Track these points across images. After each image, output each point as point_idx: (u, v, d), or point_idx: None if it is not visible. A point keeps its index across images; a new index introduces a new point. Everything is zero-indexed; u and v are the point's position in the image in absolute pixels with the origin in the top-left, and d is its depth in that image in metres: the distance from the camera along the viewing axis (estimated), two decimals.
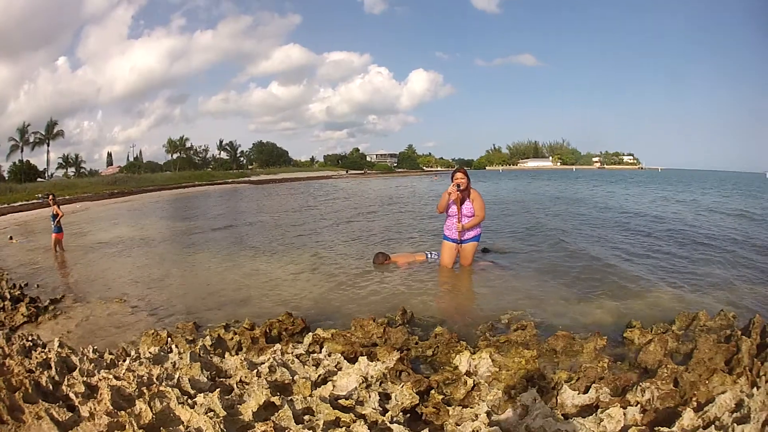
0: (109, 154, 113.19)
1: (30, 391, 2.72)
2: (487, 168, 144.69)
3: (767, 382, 2.87)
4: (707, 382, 3.01)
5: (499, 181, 51.89)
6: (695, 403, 2.82)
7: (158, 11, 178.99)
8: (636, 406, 2.75)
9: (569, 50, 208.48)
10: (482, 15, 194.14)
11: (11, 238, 18.84)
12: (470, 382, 3.13)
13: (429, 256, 7.80)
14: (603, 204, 21.34)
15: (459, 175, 7.01)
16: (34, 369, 3.08)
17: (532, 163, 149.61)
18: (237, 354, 3.54)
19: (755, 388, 2.72)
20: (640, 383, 2.99)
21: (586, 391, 2.96)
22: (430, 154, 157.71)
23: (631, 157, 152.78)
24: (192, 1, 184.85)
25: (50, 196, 13.04)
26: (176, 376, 2.89)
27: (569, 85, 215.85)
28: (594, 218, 15.33)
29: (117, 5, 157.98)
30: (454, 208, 7.11)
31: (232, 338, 4.09)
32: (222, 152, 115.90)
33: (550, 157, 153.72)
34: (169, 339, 4.19)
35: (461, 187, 6.93)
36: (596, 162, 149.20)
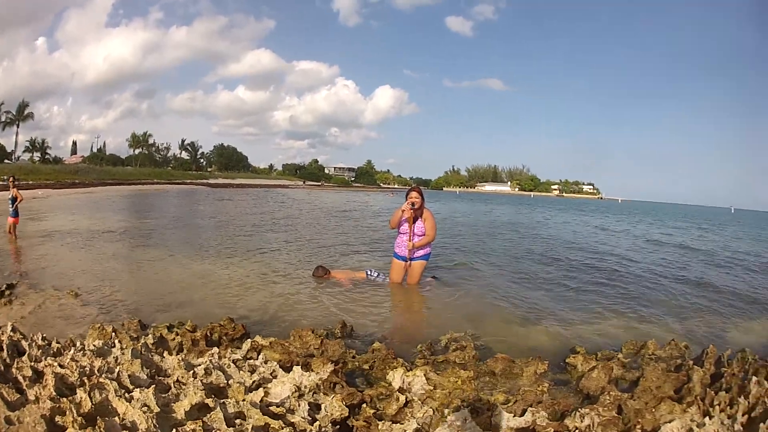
0: (74, 143, 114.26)
1: None
2: (444, 189, 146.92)
3: (722, 411, 2.90)
4: (654, 410, 3.02)
5: (455, 203, 53.01)
6: (640, 431, 2.85)
7: (138, 2, 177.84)
8: (574, 431, 2.78)
9: (537, 78, 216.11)
10: (456, 37, 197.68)
11: None
12: (402, 398, 3.16)
13: (369, 273, 7.84)
14: (553, 230, 22.08)
15: (414, 194, 7.12)
16: None
17: (490, 187, 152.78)
18: (177, 354, 3.62)
19: (707, 418, 2.75)
20: (580, 409, 2.98)
21: (522, 414, 2.93)
22: (388, 171, 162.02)
23: (591, 187, 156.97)
24: None
25: (11, 179, 12.86)
26: (116, 370, 2.96)
27: (534, 112, 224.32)
28: (543, 244, 15.74)
29: None
30: (405, 226, 7.26)
31: (174, 339, 4.15)
32: (183, 152, 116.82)
33: (509, 182, 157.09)
34: (114, 334, 4.23)
35: (415, 206, 7.09)
36: (555, 190, 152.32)
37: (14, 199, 11.99)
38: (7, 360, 2.99)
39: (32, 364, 2.91)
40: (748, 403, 2.94)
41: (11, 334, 3.43)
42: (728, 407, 2.97)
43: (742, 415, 2.82)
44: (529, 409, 2.96)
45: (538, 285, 8.45)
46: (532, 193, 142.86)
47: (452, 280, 8.45)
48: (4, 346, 3.14)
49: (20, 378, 2.76)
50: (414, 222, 7.20)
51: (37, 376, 2.81)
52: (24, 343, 3.33)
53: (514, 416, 2.91)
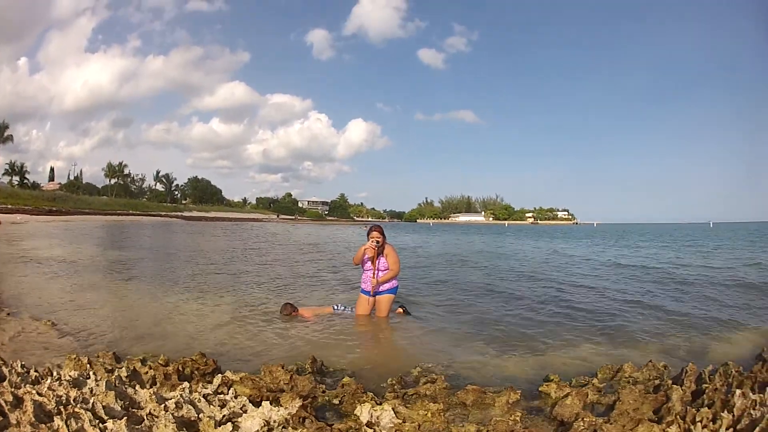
0: (52, 169, 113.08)
1: None
2: (418, 221, 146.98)
3: (704, 427, 2.89)
4: None
5: (428, 235, 52.98)
6: None
7: (117, 29, 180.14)
8: None
9: (508, 109, 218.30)
10: (428, 69, 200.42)
11: None
12: None
13: (336, 308, 7.87)
14: (525, 259, 22.04)
15: (375, 233, 7.28)
16: None
17: (464, 218, 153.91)
18: (150, 387, 3.69)
19: None
20: None
21: None
22: (362, 204, 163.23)
23: (566, 213, 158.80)
24: (150, 23, 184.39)
25: None
26: (91, 401, 3.02)
27: (506, 142, 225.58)
28: (516, 272, 15.74)
29: (82, 14, 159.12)
30: (369, 263, 7.40)
31: (147, 372, 4.17)
32: (158, 183, 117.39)
33: (483, 212, 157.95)
34: (89, 365, 4.27)
35: (379, 244, 7.27)
36: (530, 217, 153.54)
37: None
38: None
39: (12, 390, 2.97)
40: (733, 416, 2.94)
41: None
42: (711, 423, 2.96)
43: (726, 430, 2.85)
44: None
45: (508, 313, 8.48)
46: (506, 222, 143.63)
47: (422, 311, 8.50)
48: None
49: (2, 402, 2.83)
50: (377, 258, 7.35)
51: (17, 402, 2.87)
52: (4, 369, 3.40)
53: None
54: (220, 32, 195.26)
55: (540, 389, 4.26)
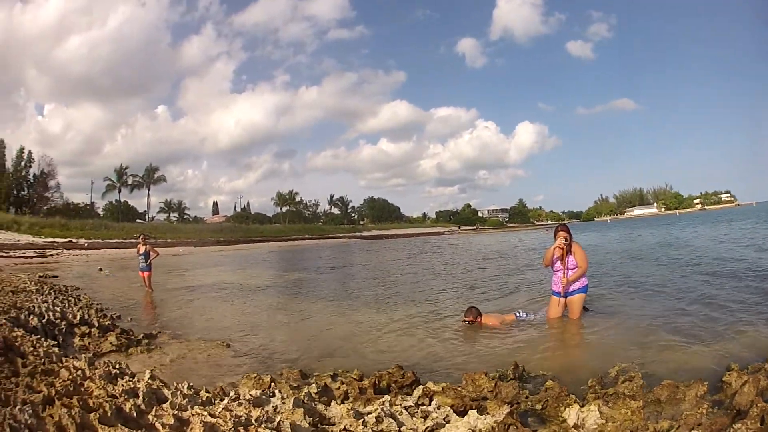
0: (215, 203, 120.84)
1: (109, 414, 2.76)
2: (595, 219, 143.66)
3: None
4: None
5: (607, 232, 50.24)
6: None
7: (259, 67, 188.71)
8: None
9: (662, 90, 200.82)
10: (579, 61, 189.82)
11: (101, 269, 20.46)
12: None
13: (518, 315, 7.67)
14: (705, 249, 19.98)
15: (562, 233, 7.32)
16: (118, 395, 3.13)
17: (638, 211, 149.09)
18: (343, 403, 3.47)
19: None
20: (733, 425, 2.94)
21: None
22: (540, 207, 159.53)
23: (728, 195, 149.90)
24: (294, 57, 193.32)
25: (142, 237, 13.98)
26: (277, 420, 2.87)
27: (667, 126, 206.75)
28: (695, 264, 14.54)
29: (216, 59, 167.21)
30: (558, 264, 7.39)
31: (339, 387, 4.07)
32: (333, 207, 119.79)
33: (655, 204, 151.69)
34: (273, 384, 4.20)
35: (567, 242, 7.24)
36: (697, 204, 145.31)
37: (147, 255, 12.85)
38: (142, 406, 2.96)
39: (175, 412, 2.88)
40: None
41: (149, 381, 3.47)
42: None
43: None
44: None
45: (687, 303, 8.22)
46: (677, 211, 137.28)
47: (607, 308, 8.32)
48: (140, 393, 3.13)
49: (158, 425, 2.75)
50: (566, 257, 7.33)
51: (181, 424, 2.79)
52: (166, 391, 3.35)
53: None
54: (368, 56, 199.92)
55: (723, 379, 4.17)
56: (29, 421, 2.48)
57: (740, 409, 3.40)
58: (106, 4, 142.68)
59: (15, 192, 64.79)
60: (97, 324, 7.37)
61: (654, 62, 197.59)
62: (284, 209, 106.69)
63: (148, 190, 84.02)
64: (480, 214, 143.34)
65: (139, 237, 14.48)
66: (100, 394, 3.10)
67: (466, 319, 7.40)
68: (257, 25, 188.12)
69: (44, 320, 6.95)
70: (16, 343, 4.59)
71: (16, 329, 5.58)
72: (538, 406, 3.78)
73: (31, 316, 6.86)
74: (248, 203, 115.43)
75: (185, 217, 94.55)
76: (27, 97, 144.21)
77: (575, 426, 3.30)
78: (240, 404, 3.15)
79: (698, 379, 3.93)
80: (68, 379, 3.41)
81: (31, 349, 4.54)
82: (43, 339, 5.49)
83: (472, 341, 6.61)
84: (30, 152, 66.90)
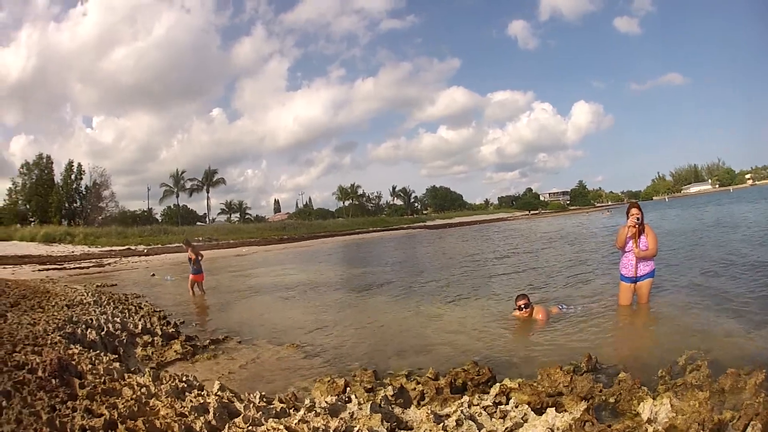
0: (276, 201, 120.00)
1: None
2: (653, 198, 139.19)
3: None
4: None
5: (666, 211, 48.10)
6: None
7: (313, 63, 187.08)
8: None
9: (711, 63, 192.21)
10: (627, 37, 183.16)
11: (153, 274, 21.05)
12: (651, 430, 3.06)
13: (561, 308, 7.54)
14: (752, 226, 19.44)
15: (634, 210, 7.01)
16: (187, 413, 3.06)
17: (694, 188, 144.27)
18: (419, 405, 3.46)
19: None
20: None
21: (744, 430, 2.88)
22: (600, 188, 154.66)
23: None
24: (347, 51, 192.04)
25: (187, 245, 13.90)
26: (355, 428, 2.85)
27: (717, 98, 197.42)
28: (747, 242, 14.20)
29: (269, 59, 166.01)
30: (630, 244, 7.09)
31: (415, 388, 4.03)
32: (396, 198, 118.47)
33: (709, 180, 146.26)
34: (347, 387, 4.18)
35: (639, 221, 6.96)
36: (748, 179, 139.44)
37: (191, 260, 13.09)
38: (214, 422, 2.94)
39: (249, 427, 2.83)
40: None
41: (219, 393, 3.45)
42: None
43: None
44: (750, 423, 2.95)
45: (746, 286, 8.08)
46: (731, 188, 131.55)
47: (669, 293, 8.12)
48: (211, 408, 3.10)
49: None
50: (639, 237, 7.06)
51: None
52: (237, 404, 3.31)
53: None
54: (421, 45, 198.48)
55: None
56: None
57: None
58: (150, 14, 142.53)
59: (67, 205, 65.70)
60: (160, 332, 7.37)
61: (697, 34, 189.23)
62: (346, 203, 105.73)
63: (207, 192, 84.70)
64: (542, 198, 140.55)
65: (185, 245, 14.16)
66: (167, 414, 3.03)
67: (519, 303, 7.26)
68: (308, 21, 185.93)
69: (103, 332, 6.81)
70: (73, 362, 4.37)
71: (72, 346, 5.39)
72: (612, 400, 3.77)
73: (89, 330, 6.65)
74: (310, 199, 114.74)
75: (247, 216, 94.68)
76: (74, 112, 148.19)
77: (649, 421, 3.24)
78: (317, 414, 3.10)
79: (758, 367, 3.89)
80: (132, 399, 3.28)
81: (90, 366, 4.33)
82: (102, 354, 5.38)
83: (538, 333, 6.50)
84: (80, 165, 67.77)
